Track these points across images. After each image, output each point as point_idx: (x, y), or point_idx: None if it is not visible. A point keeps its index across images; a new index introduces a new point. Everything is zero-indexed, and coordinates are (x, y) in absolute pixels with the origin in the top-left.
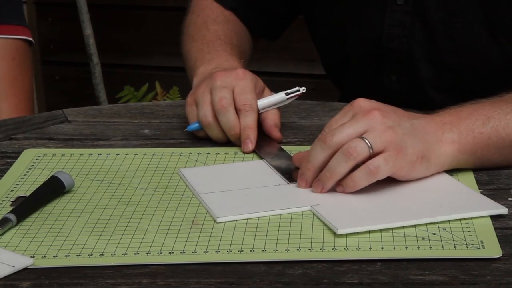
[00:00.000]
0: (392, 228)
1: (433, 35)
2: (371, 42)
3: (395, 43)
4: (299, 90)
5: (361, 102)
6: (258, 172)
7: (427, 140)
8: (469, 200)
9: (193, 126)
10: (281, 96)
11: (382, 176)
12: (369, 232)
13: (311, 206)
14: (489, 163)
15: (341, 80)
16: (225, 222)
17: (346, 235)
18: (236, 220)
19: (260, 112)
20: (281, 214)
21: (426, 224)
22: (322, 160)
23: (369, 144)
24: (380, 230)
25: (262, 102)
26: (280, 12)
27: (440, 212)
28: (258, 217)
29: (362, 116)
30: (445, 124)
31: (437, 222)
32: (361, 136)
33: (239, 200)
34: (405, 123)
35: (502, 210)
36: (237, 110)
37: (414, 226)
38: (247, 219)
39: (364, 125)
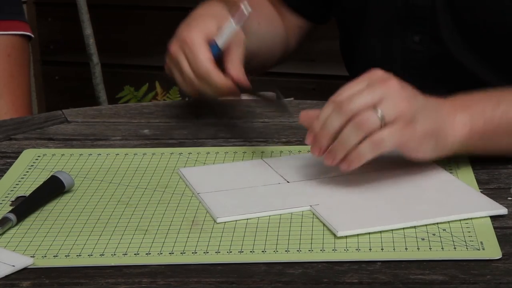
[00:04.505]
0: (392, 230)
1: None
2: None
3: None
4: (241, 7)
5: (379, 72)
6: (258, 171)
7: (438, 120)
8: (469, 201)
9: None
10: (229, 25)
11: (387, 148)
12: (368, 233)
13: (310, 206)
14: (497, 148)
15: (355, 52)
16: (225, 222)
17: (346, 236)
18: (236, 220)
19: (223, 49)
20: (281, 214)
21: (426, 225)
22: (337, 127)
23: (380, 116)
24: (380, 231)
25: (219, 40)
26: None
27: (440, 213)
28: (258, 217)
29: (379, 84)
30: (457, 107)
31: (437, 223)
32: (375, 106)
33: (239, 200)
34: (421, 98)
35: (502, 210)
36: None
37: (414, 227)
38: (247, 219)
39: (381, 93)
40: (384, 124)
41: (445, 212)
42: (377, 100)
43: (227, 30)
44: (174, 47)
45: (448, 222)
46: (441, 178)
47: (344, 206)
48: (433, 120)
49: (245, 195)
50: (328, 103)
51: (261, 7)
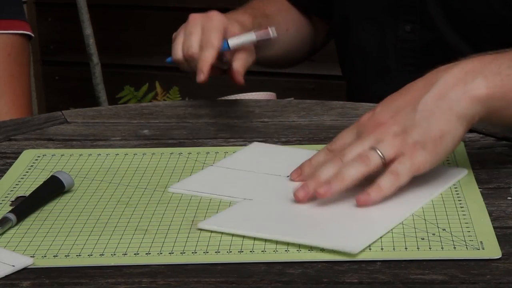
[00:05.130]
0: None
1: None
2: None
3: None
4: (268, 29)
5: (364, 119)
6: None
7: (443, 108)
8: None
9: (168, 59)
10: (250, 35)
11: (404, 178)
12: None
13: (244, 199)
14: None
15: (347, 50)
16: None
17: None
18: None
19: (231, 49)
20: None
21: (415, 228)
22: (328, 177)
23: (380, 154)
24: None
25: (231, 41)
26: None
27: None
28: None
29: (367, 135)
30: (467, 73)
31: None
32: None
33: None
34: (411, 113)
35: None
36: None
37: (402, 225)
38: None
39: (371, 141)
40: (386, 162)
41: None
42: (371, 147)
43: (245, 37)
44: (196, 16)
45: (448, 221)
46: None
47: (262, 207)
48: (438, 117)
49: (223, 176)
50: (322, 150)
51: (290, 14)
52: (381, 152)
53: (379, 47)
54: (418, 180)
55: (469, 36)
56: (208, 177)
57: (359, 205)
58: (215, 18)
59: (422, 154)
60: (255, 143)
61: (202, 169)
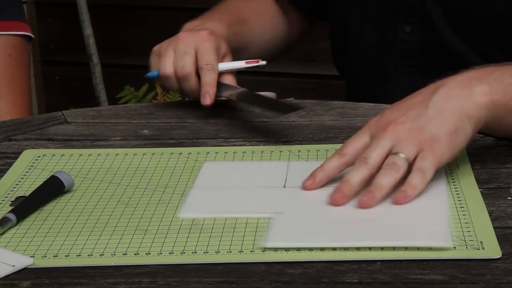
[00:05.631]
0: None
1: None
2: None
3: None
4: (258, 61)
5: (375, 122)
6: (269, 172)
7: (454, 106)
8: (423, 230)
9: (152, 73)
10: (240, 63)
11: (431, 172)
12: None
13: (274, 213)
14: None
15: (347, 52)
16: (186, 218)
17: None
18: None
19: (219, 72)
20: (236, 218)
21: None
22: (361, 180)
23: (403, 156)
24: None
25: (222, 65)
26: None
27: (382, 237)
28: (215, 218)
29: (381, 133)
30: (472, 79)
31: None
32: (391, 152)
33: (215, 198)
34: (424, 110)
35: (447, 243)
36: (198, 68)
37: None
38: (208, 218)
39: (389, 140)
40: (410, 161)
41: (388, 238)
42: (389, 147)
43: (235, 64)
44: (187, 35)
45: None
46: (427, 202)
47: (306, 219)
48: (450, 114)
49: (227, 195)
50: (333, 156)
51: (267, 15)
52: (404, 155)
53: (379, 48)
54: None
55: (469, 38)
56: (209, 198)
57: (397, 203)
58: (209, 39)
59: (440, 147)
60: (206, 163)
61: (188, 193)
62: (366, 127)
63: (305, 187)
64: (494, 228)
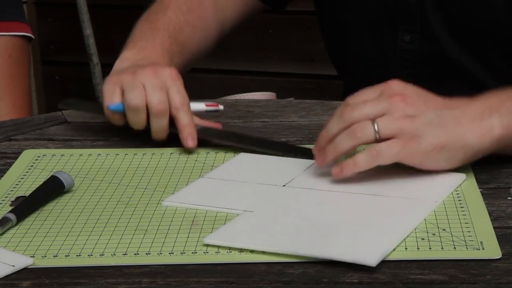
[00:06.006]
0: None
1: None
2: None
3: None
4: (218, 105)
5: (394, 85)
6: (277, 169)
7: (457, 130)
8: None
9: (117, 106)
10: (200, 105)
11: (384, 161)
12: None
13: (244, 210)
14: None
15: (346, 57)
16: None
17: None
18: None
19: None
20: (216, 212)
21: (415, 228)
22: (335, 131)
23: (376, 129)
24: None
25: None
26: None
27: (325, 251)
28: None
29: (385, 98)
30: (485, 110)
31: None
32: (374, 119)
33: (204, 190)
34: (431, 113)
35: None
36: (172, 109)
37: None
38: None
39: (383, 108)
40: (379, 138)
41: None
42: (378, 114)
43: (196, 106)
44: (154, 70)
45: (448, 221)
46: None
47: (263, 219)
48: (448, 133)
49: (221, 188)
50: (337, 109)
51: (204, 29)
52: (378, 128)
53: (378, 55)
54: (420, 186)
55: (470, 46)
56: (202, 189)
57: (333, 175)
58: (179, 77)
59: (414, 148)
60: (242, 153)
61: (194, 180)
62: (382, 85)
63: (313, 151)
64: (494, 228)
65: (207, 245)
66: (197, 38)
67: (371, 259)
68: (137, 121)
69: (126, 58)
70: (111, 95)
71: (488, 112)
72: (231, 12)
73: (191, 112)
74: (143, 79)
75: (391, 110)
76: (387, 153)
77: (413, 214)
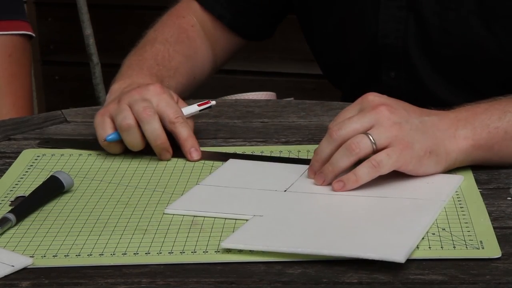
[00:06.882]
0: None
1: (427, 29)
2: (368, 40)
3: (390, 39)
4: (209, 102)
5: (371, 97)
6: (276, 174)
7: (438, 136)
8: (379, 243)
9: (112, 136)
10: (193, 107)
11: (385, 170)
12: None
13: (253, 215)
14: (509, 158)
15: (340, 81)
16: (174, 215)
17: None
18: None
19: None
20: (225, 218)
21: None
22: (328, 153)
23: (372, 140)
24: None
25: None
26: (272, 13)
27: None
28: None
29: (369, 111)
30: (460, 120)
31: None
32: (366, 132)
33: (206, 197)
34: (414, 119)
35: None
36: (167, 123)
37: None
38: (194, 216)
39: (371, 120)
40: (376, 149)
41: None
42: (367, 127)
43: (189, 110)
44: (135, 92)
45: (447, 220)
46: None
47: (282, 222)
48: (432, 138)
49: (222, 194)
50: (325, 138)
51: (197, 57)
52: (374, 140)
53: (366, 87)
54: (422, 188)
55: (456, 83)
56: (203, 196)
57: (334, 190)
58: (165, 91)
59: (410, 155)
60: (231, 160)
61: (191, 188)
62: (360, 100)
63: (309, 176)
64: (494, 228)
65: (207, 245)
66: (190, 65)
67: (400, 256)
68: (133, 141)
69: (114, 90)
70: (103, 127)
71: (462, 124)
72: (221, 45)
73: (187, 122)
74: (128, 101)
75: (379, 120)
76: (387, 162)
77: (426, 213)
